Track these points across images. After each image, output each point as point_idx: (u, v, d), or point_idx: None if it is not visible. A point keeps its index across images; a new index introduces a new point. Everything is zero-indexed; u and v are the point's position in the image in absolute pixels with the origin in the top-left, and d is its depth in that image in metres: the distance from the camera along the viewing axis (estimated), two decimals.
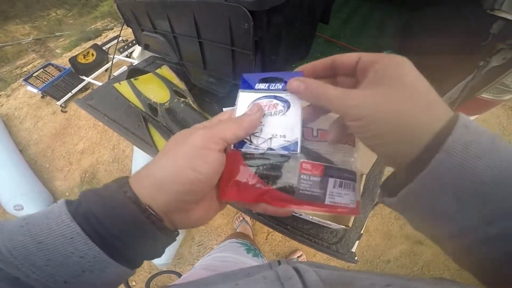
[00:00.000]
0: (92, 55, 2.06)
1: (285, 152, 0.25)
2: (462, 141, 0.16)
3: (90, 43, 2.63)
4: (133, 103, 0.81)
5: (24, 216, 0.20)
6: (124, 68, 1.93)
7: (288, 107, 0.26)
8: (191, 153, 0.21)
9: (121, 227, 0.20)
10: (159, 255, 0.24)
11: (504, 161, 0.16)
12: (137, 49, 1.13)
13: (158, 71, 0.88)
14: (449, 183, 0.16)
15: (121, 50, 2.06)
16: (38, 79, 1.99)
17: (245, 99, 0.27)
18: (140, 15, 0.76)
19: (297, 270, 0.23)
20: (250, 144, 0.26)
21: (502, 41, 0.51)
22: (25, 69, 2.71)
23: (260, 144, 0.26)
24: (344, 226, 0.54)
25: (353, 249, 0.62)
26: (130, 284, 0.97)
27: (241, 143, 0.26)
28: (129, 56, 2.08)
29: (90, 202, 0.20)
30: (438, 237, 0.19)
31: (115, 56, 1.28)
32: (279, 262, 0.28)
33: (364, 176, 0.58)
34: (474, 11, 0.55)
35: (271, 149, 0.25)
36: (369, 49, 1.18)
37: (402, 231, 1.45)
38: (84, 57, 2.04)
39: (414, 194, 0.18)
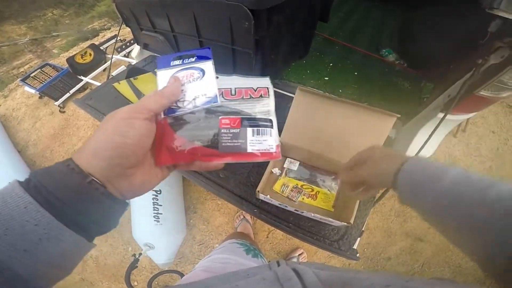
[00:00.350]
0: (90, 55, 2.05)
1: (208, 105, 0.29)
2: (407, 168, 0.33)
3: (88, 43, 2.61)
4: (132, 103, 0.80)
5: None
6: (123, 67, 1.92)
7: (204, 73, 0.31)
8: (118, 123, 0.24)
9: (68, 194, 0.21)
10: (113, 224, 0.25)
11: (423, 175, 0.31)
12: (136, 49, 1.12)
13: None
14: (408, 183, 0.33)
15: (119, 49, 2.05)
16: (36, 79, 1.98)
17: (163, 76, 0.31)
18: (139, 14, 0.76)
19: (296, 271, 0.23)
20: (177, 109, 0.29)
21: (500, 39, 0.52)
22: (22, 69, 2.69)
23: (186, 106, 0.29)
24: (345, 223, 0.54)
25: (355, 246, 0.62)
26: (132, 284, 0.97)
27: (170, 110, 0.29)
28: (127, 55, 2.07)
29: (39, 176, 0.21)
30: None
31: (113, 56, 1.28)
32: (278, 263, 0.29)
33: None
34: (473, 10, 0.55)
35: (196, 106, 0.29)
36: (367, 48, 1.19)
37: (402, 228, 1.45)
38: (82, 57, 2.03)
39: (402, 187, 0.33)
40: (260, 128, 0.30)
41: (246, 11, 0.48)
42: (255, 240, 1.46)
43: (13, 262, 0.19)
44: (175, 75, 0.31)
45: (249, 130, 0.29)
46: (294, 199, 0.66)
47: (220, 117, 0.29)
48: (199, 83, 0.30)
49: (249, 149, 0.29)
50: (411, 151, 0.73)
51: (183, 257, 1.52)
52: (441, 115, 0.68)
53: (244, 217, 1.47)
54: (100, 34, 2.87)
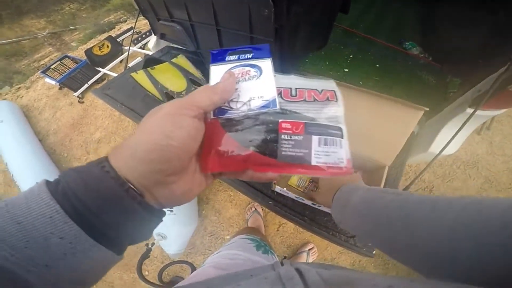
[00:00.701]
0: (107, 47, 2.09)
1: (265, 110, 0.26)
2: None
3: (104, 35, 2.67)
4: (150, 92, 0.81)
5: (5, 199, 0.19)
6: (139, 59, 1.95)
7: (261, 72, 0.28)
8: (163, 120, 0.21)
9: (100, 203, 0.18)
10: (145, 237, 0.22)
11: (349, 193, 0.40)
12: (152, 40, 1.13)
13: (174, 60, 0.88)
14: (340, 199, 0.42)
15: (135, 41, 2.08)
16: (56, 71, 2.05)
17: (217, 71, 0.28)
18: (157, 4, 0.76)
19: (298, 271, 0.23)
20: (229, 110, 0.26)
21: None
22: (42, 62, 2.79)
23: (240, 107, 0.26)
24: None
25: (370, 243, 0.61)
26: (143, 273, 1.00)
27: (221, 111, 0.26)
28: (143, 47, 2.10)
29: (69, 179, 0.19)
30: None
31: (130, 47, 1.29)
32: (282, 263, 0.29)
33: (387, 168, 0.57)
34: (503, 3, 0.51)
35: (251, 110, 0.26)
36: (388, 40, 1.14)
37: None
38: (100, 49, 2.07)
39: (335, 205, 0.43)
40: (328, 138, 0.24)
41: None
42: (265, 233, 1.46)
43: (31, 277, 0.16)
44: (230, 71, 0.28)
45: (315, 138, 0.24)
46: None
47: (280, 120, 0.25)
48: (255, 83, 0.27)
49: (314, 162, 0.24)
50: (435, 147, 0.70)
51: (194, 248, 1.55)
52: (469, 111, 0.65)
53: (255, 209, 1.48)
54: (116, 26, 2.91)
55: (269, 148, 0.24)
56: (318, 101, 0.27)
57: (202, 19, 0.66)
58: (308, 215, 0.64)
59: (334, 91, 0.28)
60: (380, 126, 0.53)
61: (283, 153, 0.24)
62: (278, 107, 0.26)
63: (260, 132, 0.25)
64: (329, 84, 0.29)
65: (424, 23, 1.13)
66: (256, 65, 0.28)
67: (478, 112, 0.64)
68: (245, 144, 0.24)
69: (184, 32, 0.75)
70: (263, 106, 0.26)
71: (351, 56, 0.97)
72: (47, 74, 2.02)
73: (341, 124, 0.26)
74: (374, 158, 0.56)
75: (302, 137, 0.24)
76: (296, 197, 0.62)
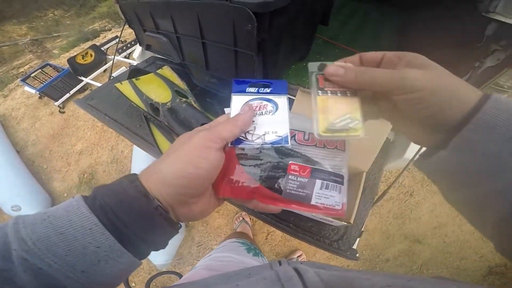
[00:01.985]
0: (91, 55, 2.06)
1: (278, 145, 0.28)
2: (503, 98, 0.20)
3: (88, 43, 2.63)
4: (134, 103, 0.81)
5: (43, 210, 0.21)
6: (123, 68, 1.93)
7: (277, 107, 0.30)
8: (193, 151, 0.24)
9: (133, 218, 0.21)
10: (164, 246, 0.26)
11: None
12: (137, 50, 1.13)
13: (159, 71, 0.89)
14: (500, 124, 0.19)
15: (120, 51, 2.06)
16: (36, 79, 1.99)
17: (238, 102, 0.30)
18: (143, 16, 0.77)
19: (297, 271, 0.23)
20: (245, 141, 0.28)
21: (496, 42, 0.53)
22: (21, 69, 2.70)
23: (255, 140, 0.28)
24: (345, 223, 0.55)
25: (354, 246, 0.63)
26: (130, 285, 0.97)
27: (237, 141, 0.28)
28: (128, 56, 2.08)
29: (105, 196, 0.22)
30: (482, 197, 0.21)
31: (115, 56, 1.28)
32: (279, 263, 0.29)
33: (364, 174, 0.59)
34: (470, 13, 0.56)
35: (265, 143, 0.28)
36: (367, 50, 1.20)
37: (400, 230, 1.46)
38: (83, 58, 2.03)
39: (468, 140, 0.20)
40: (330, 183, 0.27)
41: (249, 14, 0.49)
42: (254, 242, 1.46)
43: (69, 282, 0.19)
44: (249, 103, 0.30)
45: (318, 182, 0.27)
46: None
47: (290, 162, 0.28)
48: (271, 118, 0.29)
49: (313, 201, 0.27)
50: (410, 153, 0.74)
51: (182, 258, 1.52)
52: None
53: (243, 218, 1.48)
54: (101, 35, 2.88)
55: (276, 184, 0.27)
56: (327, 148, 0.29)
57: (187, 31, 0.68)
58: (292, 222, 0.65)
59: (345, 140, 0.29)
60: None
61: (287, 190, 0.27)
62: (289, 143, 0.28)
63: (270, 168, 0.27)
64: None
65: (400, 33, 1.19)
66: (273, 100, 0.30)
67: None
68: (255, 177, 0.27)
69: (169, 44, 0.76)
70: (276, 141, 0.28)
71: None
72: (26, 83, 1.96)
73: (343, 172, 0.28)
74: (351, 165, 0.59)
75: (307, 179, 0.27)
76: None
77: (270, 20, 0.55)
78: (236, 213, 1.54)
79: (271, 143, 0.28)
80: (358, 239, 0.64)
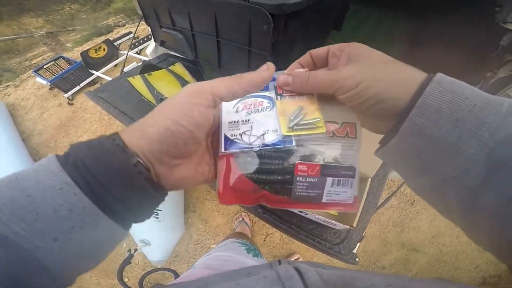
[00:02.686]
0: (104, 50, 2.10)
1: (281, 146, 0.24)
2: (447, 78, 0.20)
3: (102, 38, 2.68)
4: (145, 98, 0.82)
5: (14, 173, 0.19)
6: (134, 64, 1.96)
7: (274, 103, 0.27)
8: (176, 107, 0.22)
9: (110, 175, 0.19)
10: (148, 215, 0.23)
11: (484, 95, 0.19)
12: (151, 46, 1.15)
13: (171, 67, 0.90)
14: (444, 107, 0.18)
15: (132, 46, 2.10)
16: (48, 71, 2.03)
17: (229, 102, 0.27)
18: (161, 11, 0.79)
19: (297, 270, 0.23)
20: (242, 144, 0.25)
21: (510, 53, 0.53)
22: (34, 61, 2.75)
23: (253, 142, 0.25)
24: (348, 226, 0.55)
25: (355, 251, 0.63)
26: (123, 280, 0.97)
27: (233, 144, 0.25)
28: (139, 52, 2.12)
29: (79, 152, 0.19)
30: (439, 184, 0.20)
31: (128, 52, 1.31)
32: (279, 262, 0.28)
33: (370, 179, 0.60)
34: (486, 22, 0.56)
35: (265, 145, 0.25)
36: None
37: (398, 238, 1.46)
38: (96, 52, 2.07)
39: (415, 124, 0.20)
40: (341, 179, 0.25)
41: (266, 15, 0.50)
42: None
43: (40, 252, 0.17)
44: (244, 101, 0.27)
45: (329, 180, 0.25)
46: None
47: (296, 162, 0.25)
48: (269, 114, 0.26)
49: (324, 200, 0.25)
50: None
51: (178, 256, 1.52)
52: None
53: (243, 219, 1.47)
54: (115, 30, 2.94)
55: (283, 189, 0.25)
56: (337, 136, 0.26)
57: (203, 29, 0.69)
58: (295, 223, 0.65)
59: (355, 124, 0.26)
60: (363, 139, 0.57)
61: (296, 193, 0.25)
62: (294, 144, 0.24)
63: (275, 173, 0.25)
64: (350, 115, 0.26)
65: (412, 40, 1.20)
66: (268, 96, 0.27)
67: None
68: (261, 184, 0.25)
69: (184, 41, 0.77)
70: (278, 142, 0.25)
71: None
72: (39, 74, 2.00)
73: (355, 162, 0.26)
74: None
75: (317, 179, 0.25)
76: None
77: (285, 22, 0.56)
78: (236, 213, 1.54)
79: (273, 145, 0.24)
80: (358, 243, 0.64)
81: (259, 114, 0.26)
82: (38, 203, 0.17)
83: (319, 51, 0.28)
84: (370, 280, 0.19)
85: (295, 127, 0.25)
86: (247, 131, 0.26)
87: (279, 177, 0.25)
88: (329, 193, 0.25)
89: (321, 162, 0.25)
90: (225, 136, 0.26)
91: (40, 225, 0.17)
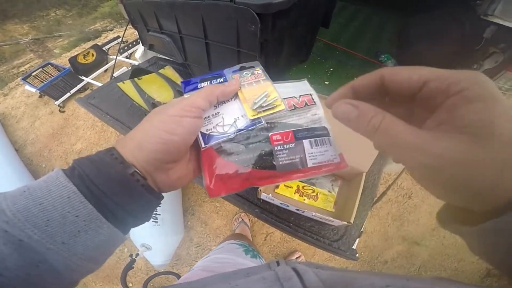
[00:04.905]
0: (92, 55, 2.06)
1: (253, 127, 0.27)
2: None
3: (89, 43, 2.63)
4: (136, 102, 0.81)
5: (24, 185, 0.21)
6: (124, 69, 1.94)
7: (236, 93, 0.29)
8: (168, 120, 0.24)
9: (111, 185, 0.21)
10: (147, 218, 0.25)
11: None
12: (140, 50, 1.14)
13: (161, 71, 0.89)
14: None
15: (121, 51, 2.07)
16: (37, 78, 1.99)
17: None
18: (147, 16, 0.78)
19: (296, 271, 0.23)
20: (219, 135, 0.27)
21: (494, 45, 0.54)
22: (22, 68, 2.70)
23: (227, 130, 0.27)
24: (346, 222, 0.55)
25: (354, 247, 0.63)
26: (127, 285, 0.97)
27: (210, 138, 0.27)
28: (129, 57, 2.09)
29: (82, 165, 0.22)
30: None
31: (117, 56, 1.29)
32: (278, 263, 0.28)
33: (364, 174, 0.60)
34: (469, 16, 0.57)
35: (240, 130, 0.27)
36: (367, 53, 1.21)
37: (399, 232, 1.47)
38: (84, 57, 2.04)
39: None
40: (317, 139, 0.27)
41: (253, 15, 0.50)
42: (253, 243, 1.46)
43: (50, 255, 0.19)
44: (236, 75, 0.30)
45: (306, 142, 0.26)
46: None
47: (270, 134, 0.27)
48: (235, 104, 0.28)
49: (310, 163, 0.26)
50: None
51: (180, 259, 1.52)
52: None
53: (242, 219, 1.47)
54: (103, 35, 2.89)
55: (266, 162, 0.26)
56: (298, 108, 0.29)
57: (191, 32, 0.69)
58: (293, 221, 0.65)
59: (311, 94, 0.30)
60: (356, 134, 0.57)
61: (280, 163, 0.26)
62: (263, 121, 0.27)
63: (254, 150, 0.27)
64: (304, 87, 0.30)
65: (400, 36, 1.21)
66: None
67: None
68: (244, 164, 0.26)
69: (173, 44, 0.77)
70: (250, 125, 0.27)
71: (332, 69, 1.03)
72: (27, 81, 1.96)
73: (324, 123, 0.28)
74: (351, 165, 0.59)
75: (293, 144, 0.26)
76: (281, 203, 0.63)
77: (273, 21, 0.56)
78: (235, 214, 1.54)
79: (246, 127, 0.27)
80: (357, 239, 0.64)
81: (225, 105, 0.28)
82: (48, 211, 0.19)
83: (405, 79, 0.20)
84: (369, 280, 0.19)
85: (258, 110, 0.27)
86: (219, 122, 0.28)
87: (259, 152, 0.26)
88: (313, 156, 0.26)
89: (293, 129, 0.27)
90: (202, 133, 0.27)
91: (50, 230, 0.19)
